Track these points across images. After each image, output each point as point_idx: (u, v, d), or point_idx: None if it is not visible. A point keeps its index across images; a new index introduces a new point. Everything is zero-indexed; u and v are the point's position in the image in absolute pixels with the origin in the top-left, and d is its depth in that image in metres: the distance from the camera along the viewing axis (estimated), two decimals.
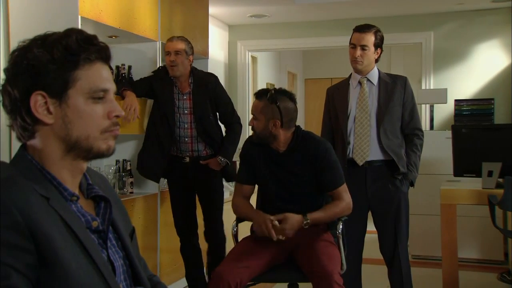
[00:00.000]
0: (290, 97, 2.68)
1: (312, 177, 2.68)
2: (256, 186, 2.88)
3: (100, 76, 1.19)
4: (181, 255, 3.65)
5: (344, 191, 2.69)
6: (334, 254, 2.57)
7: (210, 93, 3.48)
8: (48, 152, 1.18)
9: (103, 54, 1.20)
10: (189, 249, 3.61)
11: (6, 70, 1.17)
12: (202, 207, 3.62)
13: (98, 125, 1.19)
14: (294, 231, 2.54)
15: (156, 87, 3.50)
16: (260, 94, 2.68)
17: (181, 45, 3.42)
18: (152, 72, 3.63)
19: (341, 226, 2.68)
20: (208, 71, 3.88)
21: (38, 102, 1.14)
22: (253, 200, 2.90)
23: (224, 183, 3.67)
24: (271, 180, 2.72)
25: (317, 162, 2.66)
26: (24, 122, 1.16)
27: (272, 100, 2.62)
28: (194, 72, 3.52)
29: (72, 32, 1.17)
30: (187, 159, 3.48)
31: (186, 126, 3.46)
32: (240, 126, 3.64)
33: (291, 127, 2.69)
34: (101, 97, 1.19)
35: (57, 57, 1.14)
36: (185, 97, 3.47)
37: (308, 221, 2.56)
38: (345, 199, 2.68)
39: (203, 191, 3.57)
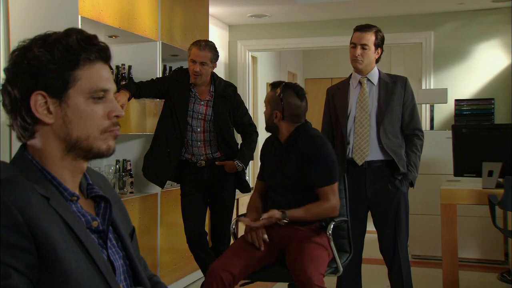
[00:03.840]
0: (298, 93, 2.75)
1: (302, 171, 2.69)
2: None
3: (100, 76, 1.19)
4: (198, 265, 3.56)
5: (331, 192, 2.65)
6: (318, 256, 2.55)
7: (229, 104, 3.47)
8: (48, 152, 1.18)
9: (103, 54, 1.20)
10: (204, 256, 3.48)
11: (6, 70, 1.17)
12: (212, 215, 3.58)
13: (98, 125, 1.19)
14: (268, 221, 2.62)
15: (173, 90, 3.43)
16: (273, 85, 2.82)
17: (208, 55, 3.34)
18: (171, 73, 3.58)
19: (331, 227, 2.66)
20: (227, 80, 3.71)
21: (38, 102, 1.14)
22: None
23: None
24: (270, 169, 2.81)
25: (306, 157, 2.67)
26: (24, 122, 1.16)
27: (278, 93, 2.73)
28: (215, 80, 3.46)
29: (72, 32, 1.17)
30: (203, 163, 3.44)
31: (199, 130, 3.41)
32: (257, 134, 3.62)
33: (294, 122, 2.74)
34: (101, 97, 1.19)
35: (57, 57, 1.14)
36: (202, 103, 3.42)
37: (286, 219, 2.61)
38: (331, 200, 2.65)
39: (217, 196, 3.52)
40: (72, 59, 1.15)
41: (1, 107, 1.19)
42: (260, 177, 2.92)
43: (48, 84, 1.14)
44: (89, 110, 1.17)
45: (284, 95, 2.72)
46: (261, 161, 2.94)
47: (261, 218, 2.64)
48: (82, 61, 1.16)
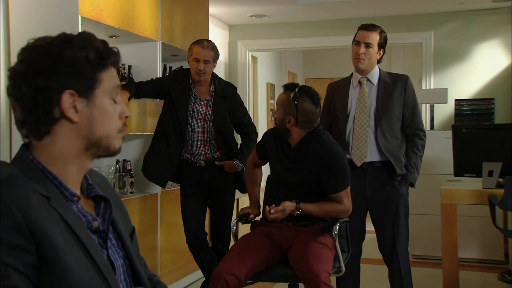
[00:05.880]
0: (313, 98, 2.69)
1: (313, 177, 2.69)
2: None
3: (116, 78, 1.24)
4: (198, 265, 3.56)
5: (345, 195, 2.69)
6: (324, 255, 2.56)
7: (229, 104, 3.47)
8: (60, 150, 1.18)
9: (117, 58, 1.25)
10: (204, 257, 3.48)
11: (31, 62, 1.15)
12: (212, 215, 3.58)
13: (116, 125, 1.24)
14: (283, 214, 2.62)
15: (173, 90, 3.43)
16: (286, 88, 2.76)
17: (211, 54, 3.37)
18: (171, 73, 3.58)
19: (337, 228, 2.67)
20: (227, 80, 3.72)
21: (69, 100, 1.15)
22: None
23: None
24: (277, 170, 2.80)
25: (320, 163, 2.66)
26: (47, 118, 1.15)
27: (293, 97, 2.67)
28: (214, 80, 3.47)
29: (91, 35, 1.20)
30: (202, 163, 3.44)
31: (198, 130, 3.41)
32: (256, 134, 3.62)
33: (306, 127, 2.71)
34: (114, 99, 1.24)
35: (91, 58, 1.17)
36: (202, 103, 3.43)
37: (299, 211, 2.62)
38: (344, 203, 2.68)
39: (217, 196, 3.52)
40: (102, 62, 1.19)
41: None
42: (259, 153, 2.92)
43: (79, 84, 1.16)
44: (112, 110, 1.22)
45: (299, 100, 2.66)
46: (262, 141, 2.91)
47: (271, 210, 2.62)
48: (109, 64, 1.21)
